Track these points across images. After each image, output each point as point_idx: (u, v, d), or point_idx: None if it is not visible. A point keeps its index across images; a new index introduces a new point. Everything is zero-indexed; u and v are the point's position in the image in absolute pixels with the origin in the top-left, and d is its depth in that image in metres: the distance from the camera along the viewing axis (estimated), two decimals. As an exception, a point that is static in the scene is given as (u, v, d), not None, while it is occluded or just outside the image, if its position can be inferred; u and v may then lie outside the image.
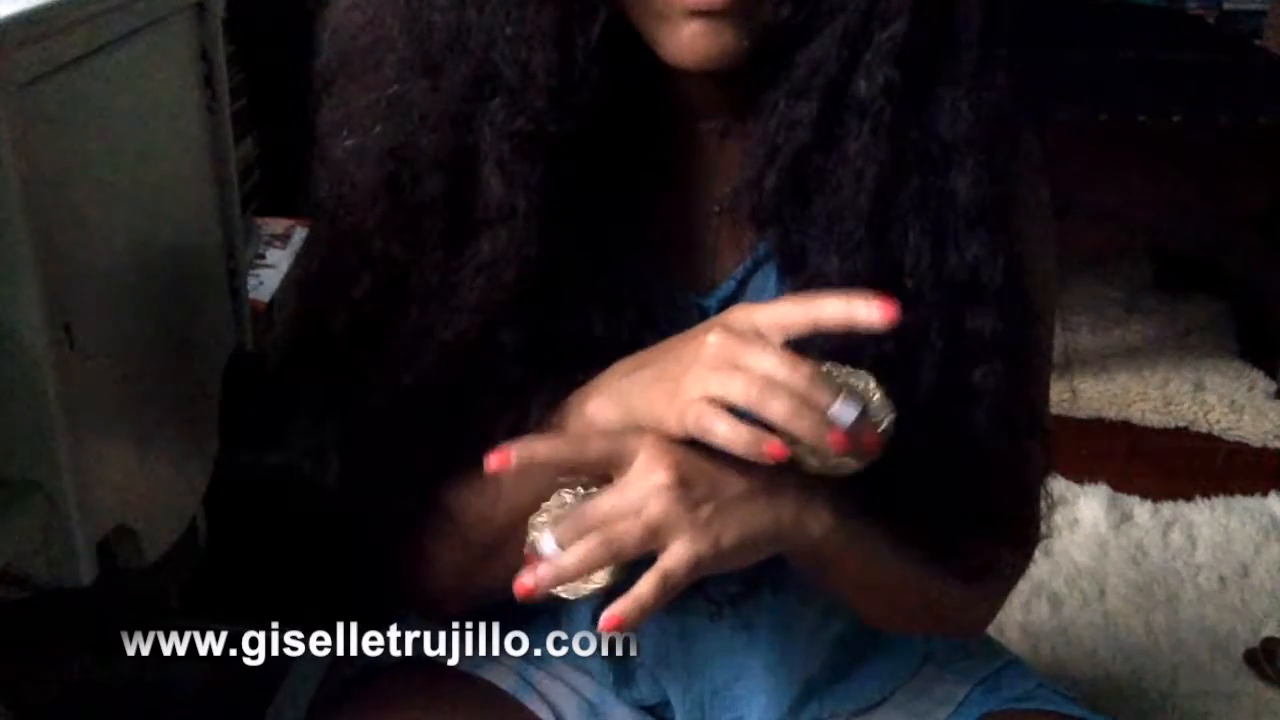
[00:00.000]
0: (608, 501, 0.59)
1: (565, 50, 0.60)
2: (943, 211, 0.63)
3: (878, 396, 0.59)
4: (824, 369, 0.58)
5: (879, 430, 0.58)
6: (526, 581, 0.58)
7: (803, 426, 0.56)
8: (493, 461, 0.58)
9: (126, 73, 0.68)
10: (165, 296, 0.75)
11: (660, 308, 0.67)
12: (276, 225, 1.18)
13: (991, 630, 0.86)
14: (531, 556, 0.60)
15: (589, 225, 0.64)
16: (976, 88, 0.62)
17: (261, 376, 0.88)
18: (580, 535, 0.58)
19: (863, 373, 0.59)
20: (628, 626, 0.56)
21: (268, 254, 1.13)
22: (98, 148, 0.65)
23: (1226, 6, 2.88)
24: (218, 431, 0.81)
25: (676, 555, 0.58)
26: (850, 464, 0.59)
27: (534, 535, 0.61)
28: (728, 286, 0.70)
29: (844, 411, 0.57)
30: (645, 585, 0.57)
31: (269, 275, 1.10)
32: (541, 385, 0.64)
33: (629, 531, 0.57)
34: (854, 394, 0.58)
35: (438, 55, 0.62)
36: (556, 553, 0.58)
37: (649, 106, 0.66)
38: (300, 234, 1.16)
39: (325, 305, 0.68)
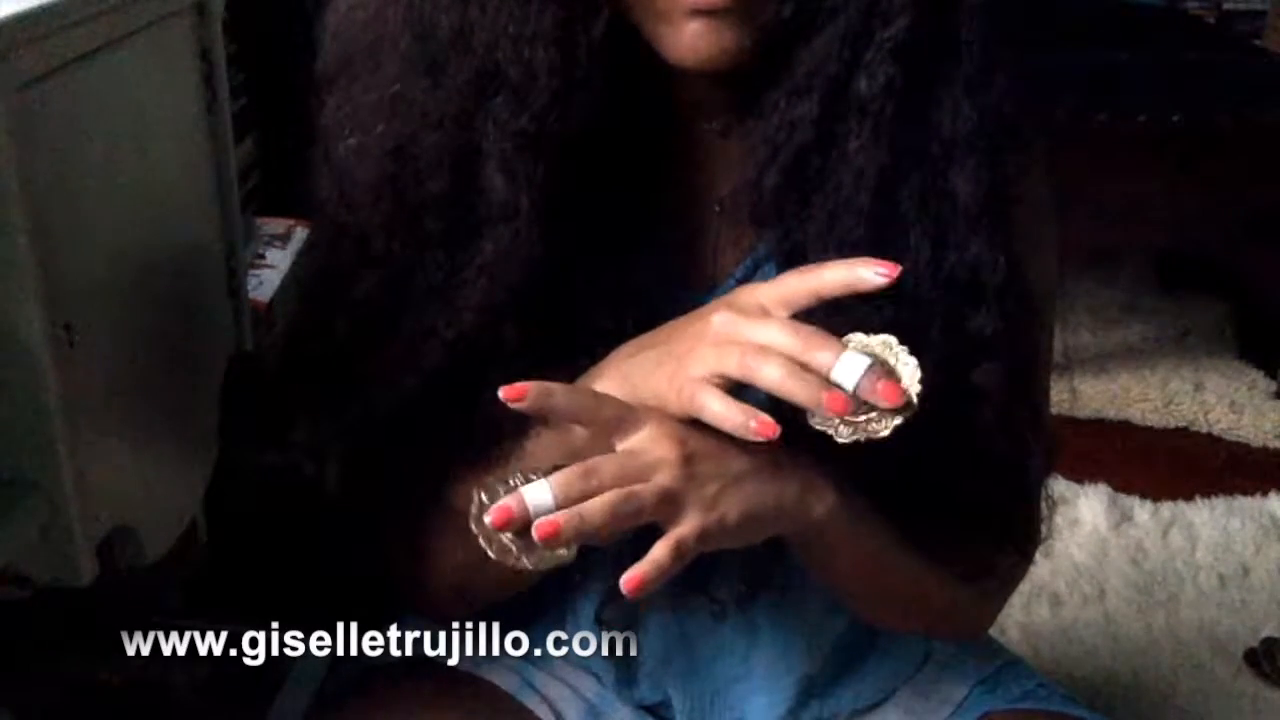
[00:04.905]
0: (618, 460, 0.58)
1: (567, 49, 0.60)
2: (943, 211, 0.63)
3: (901, 354, 0.58)
4: (844, 340, 0.58)
5: (904, 385, 0.57)
6: (545, 528, 0.55)
7: (796, 389, 0.56)
8: (507, 392, 0.57)
9: (126, 73, 0.68)
10: (165, 296, 0.74)
11: (662, 307, 0.67)
12: (276, 225, 1.18)
13: (991, 630, 0.86)
14: (504, 515, 0.57)
15: (591, 224, 0.64)
16: (977, 87, 0.62)
17: (261, 376, 0.88)
18: (586, 490, 0.57)
19: (884, 336, 0.59)
20: (648, 588, 0.56)
21: (268, 254, 1.13)
22: (98, 148, 0.65)
23: (1226, 6, 2.88)
24: (217, 432, 0.81)
25: (687, 525, 0.58)
26: (879, 429, 0.57)
27: (489, 492, 0.59)
28: (728, 286, 0.70)
29: (848, 370, 0.56)
30: (661, 550, 0.57)
31: (269, 275, 1.10)
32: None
33: (648, 491, 0.57)
34: (866, 354, 0.57)
35: (440, 54, 0.62)
36: (550, 505, 0.56)
37: (651, 106, 0.66)
38: (300, 234, 1.16)
39: (327, 305, 0.68)
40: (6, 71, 0.54)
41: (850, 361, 0.57)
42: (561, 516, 0.56)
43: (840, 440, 0.58)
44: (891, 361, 0.58)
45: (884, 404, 0.57)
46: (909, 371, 0.58)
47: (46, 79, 0.58)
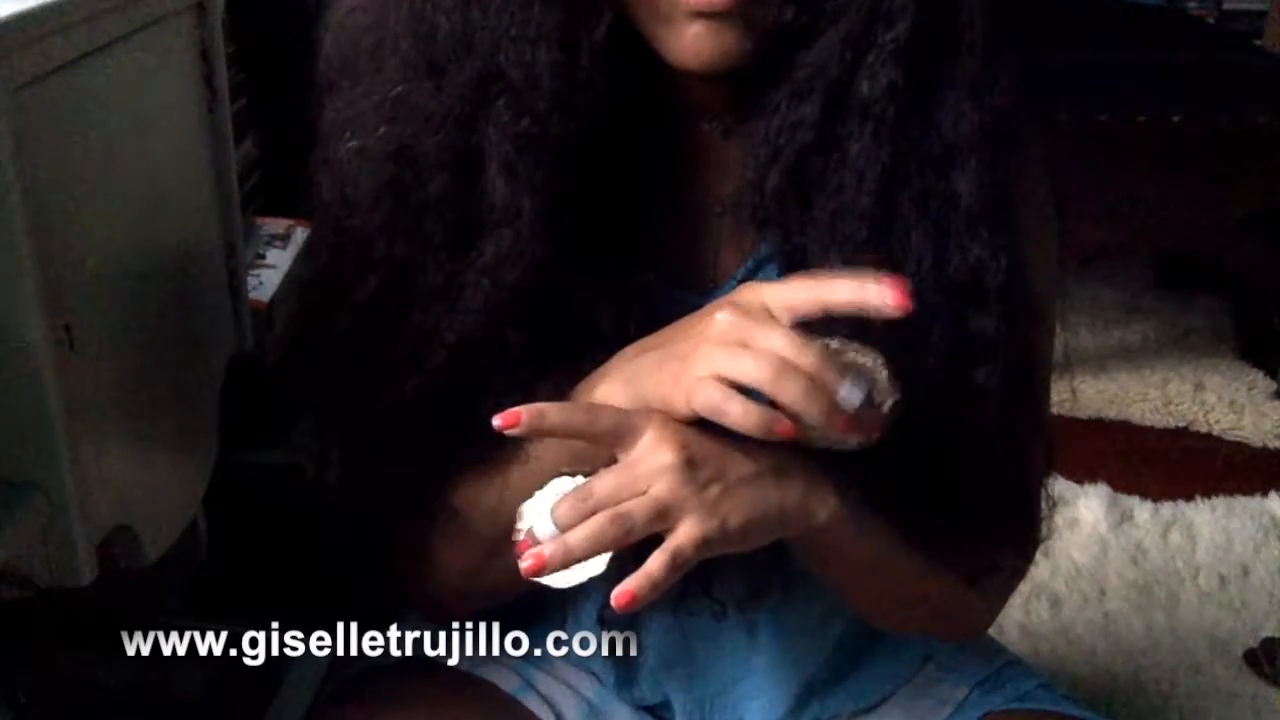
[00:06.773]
0: (612, 479, 0.58)
1: (569, 51, 0.60)
2: (945, 212, 0.63)
3: (884, 376, 0.58)
4: (832, 346, 0.58)
5: (884, 411, 0.58)
6: (531, 561, 0.56)
7: (813, 409, 0.56)
8: (500, 420, 0.57)
9: (126, 73, 0.68)
10: (165, 296, 0.74)
11: (663, 309, 0.67)
12: (276, 225, 1.18)
13: (991, 630, 0.86)
14: (526, 545, 0.58)
15: (592, 226, 0.64)
16: (979, 89, 0.62)
17: (262, 376, 0.88)
18: (582, 514, 0.57)
19: (870, 350, 0.59)
20: (640, 602, 0.56)
21: (268, 254, 1.13)
22: (98, 148, 0.64)
23: (1226, 6, 2.87)
24: (218, 431, 0.81)
25: (685, 534, 0.57)
26: (850, 443, 0.59)
27: (528, 521, 0.59)
28: (729, 287, 0.70)
29: (852, 394, 0.57)
30: (656, 562, 0.56)
31: (269, 275, 1.09)
32: (547, 382, 0.64)
33: (639, 508, 0.57)
34: (861, 375, 0.57)
35: (442, 56, 0.62)
36: (555, 533, 0.57)
37: (652, 107, 0.66)
38: (300, 234, 1.16)
39: (329, 307, 0.68)
40: (6, 71, 0.54)
41: (854, 388, 0.57)
42: (547, 549, 0.56)
43: (807, 445, 0.59)
44: (876, 378, 0.58)
45: (869, 432, 0.58)
46: (890, 396, 0.58)
47: (46, 79, 0.57)
